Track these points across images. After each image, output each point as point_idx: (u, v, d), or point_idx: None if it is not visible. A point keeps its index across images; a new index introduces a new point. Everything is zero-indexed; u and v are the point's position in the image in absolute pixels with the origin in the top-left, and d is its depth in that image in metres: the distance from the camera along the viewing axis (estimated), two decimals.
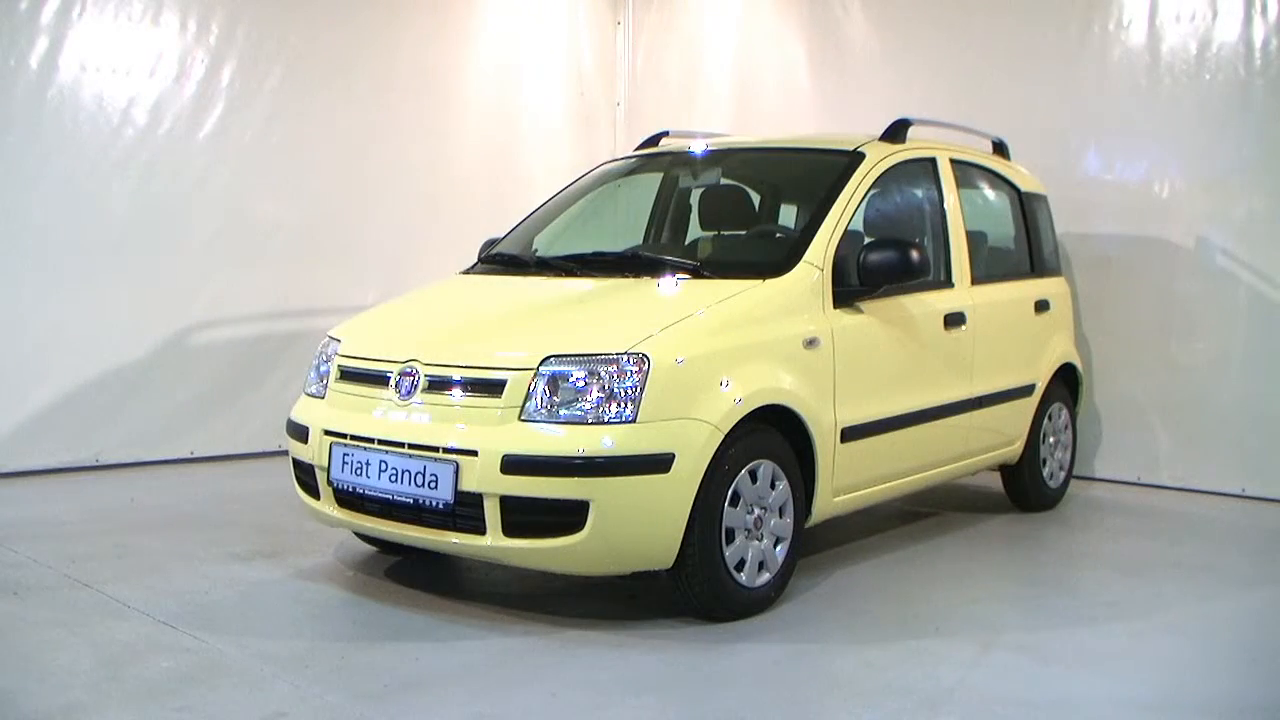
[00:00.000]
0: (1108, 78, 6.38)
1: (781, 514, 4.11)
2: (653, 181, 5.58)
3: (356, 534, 4.55)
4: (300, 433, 4.27)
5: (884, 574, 4.65)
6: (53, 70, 6.06)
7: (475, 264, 5.08)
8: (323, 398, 4.32)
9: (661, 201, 5.53)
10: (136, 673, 3.45)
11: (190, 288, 6.53)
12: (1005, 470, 5.72)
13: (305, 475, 4.30)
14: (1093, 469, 6.52)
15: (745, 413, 3.89)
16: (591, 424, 3.69)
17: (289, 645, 3.72)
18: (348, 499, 4.10)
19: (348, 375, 4.23)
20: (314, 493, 4.25)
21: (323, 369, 4.39)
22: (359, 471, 4.00)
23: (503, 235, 5.28)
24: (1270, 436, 5.98)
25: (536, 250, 5.09)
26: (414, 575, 4.47)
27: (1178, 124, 6.19)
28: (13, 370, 6.01)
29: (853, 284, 4.40)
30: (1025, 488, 5.70)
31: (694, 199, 5.42)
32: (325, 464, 4.11)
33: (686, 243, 5.39)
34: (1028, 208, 5.78)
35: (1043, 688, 3.51)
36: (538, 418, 3.74)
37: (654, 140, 5.69)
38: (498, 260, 5.00)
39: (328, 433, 4.12)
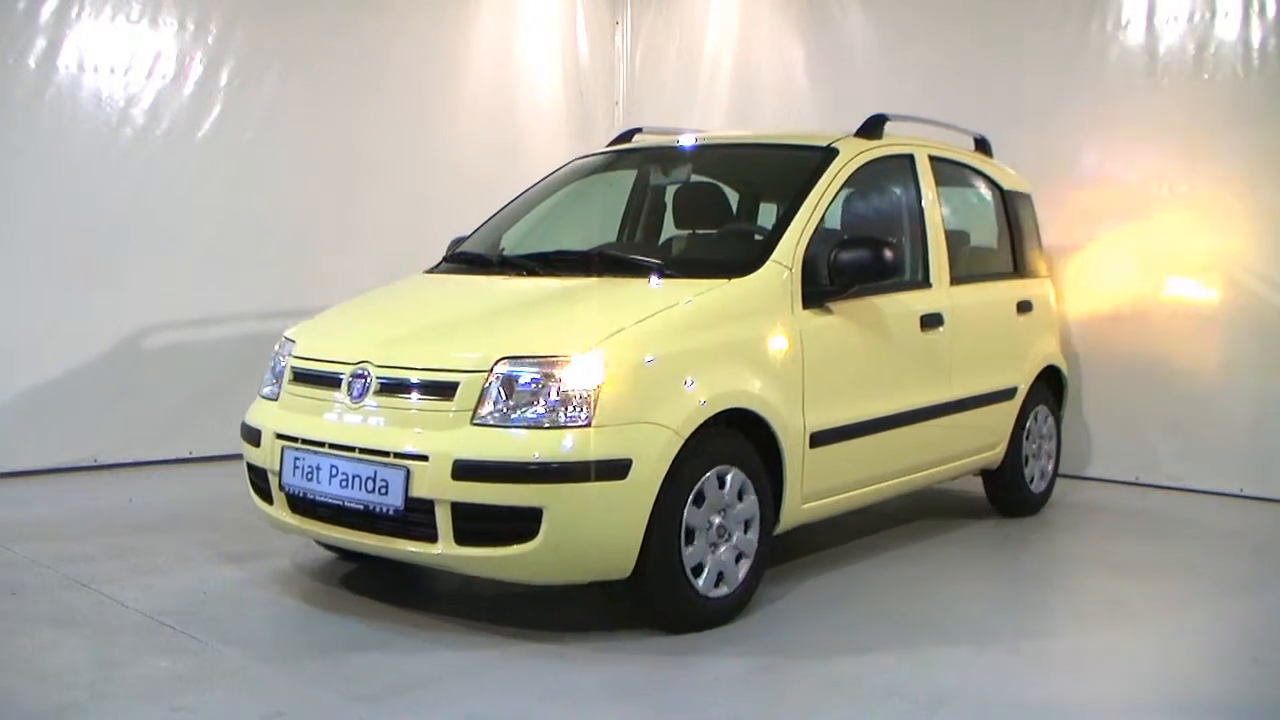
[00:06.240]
0: (1106, 77, 6.37)
1: (747, 523, 3.97)
2: (627, 178, 5.45)
3: (317, 541, 4.43)
4: (253, 436, 4.16)
5: (883, 574, 4.62)
6: (51, 70, 6.07)
7: (439, 263, 4.95)
8: (277, 399, 4.20)
9: (636, 199, 5.40)
10: (134, 672, 3.44)
11: (188, 287, 6.53)
12: (987, 475, 5.58)
13: (259, 479, 4.19)
14: (1091, 469, 6.48)
15: (707, 417, 3.76)
16: (545, 428, 3.56)
17: (286, 645, 3.73)
18: (300, 504, 3.98)
19: (300, 377, 4.11)
20: (268, 497, 4.14)
21: (278, 370, 4.27)
22: (310, 476, 3.88)
23: (469, 233, 5.15)
24: (1269, 436, 5.94)
25: (504, 249, 4.96)
26: (412, 576, 4.41)
27: (1176, 123, 6.16)
28: (10, 370, 6.02)
29: (824, 284, 4.26)
30: (1007, 492, 5.57)
31: (669, 197, 5.28)
32: (277, 468, 3.99)
33: (660, 241, 5.25)
34: (1010, 206, 5.65)
35: (1042, 688, 3.48)
36: (490, 421, 3.61)
37: (627, 136, 5.55)
38: (461, 259, 4.87)
39: (280, 436, 4.01)
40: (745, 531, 3.96)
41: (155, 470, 6.33)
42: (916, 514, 5.65)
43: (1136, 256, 6.33)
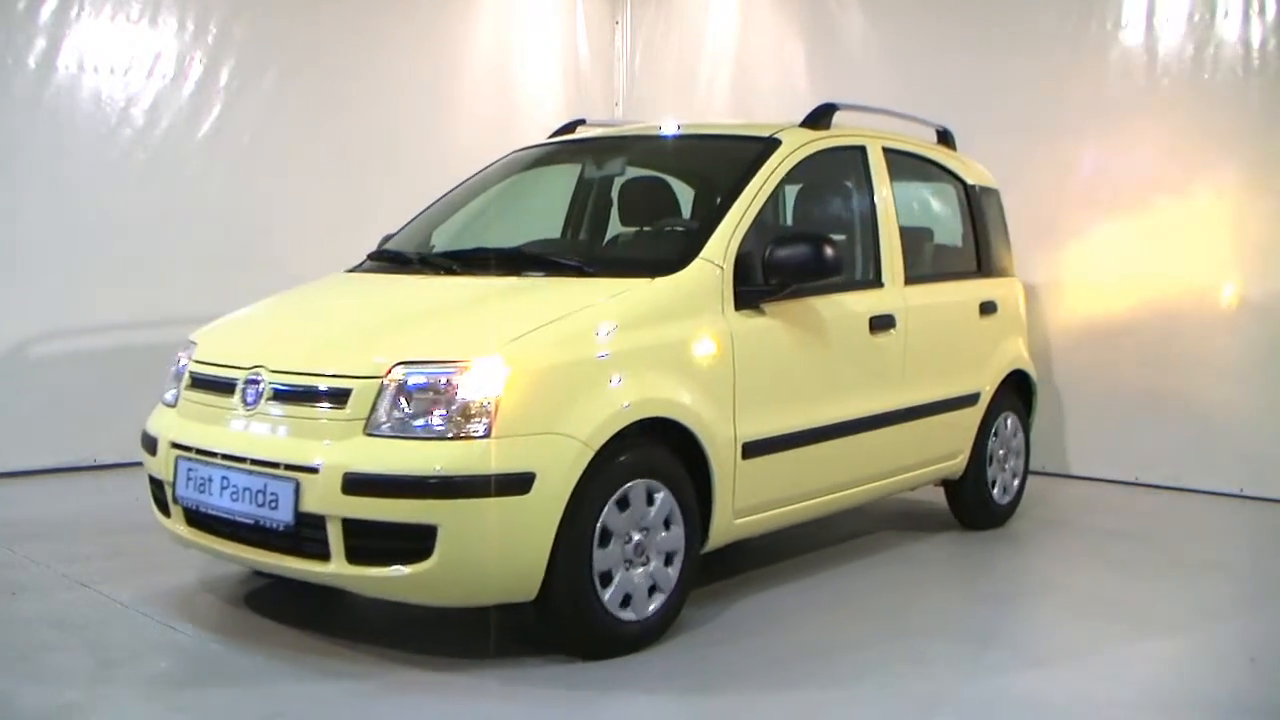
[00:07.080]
0: (1106, 78, 6.31)
1: (669, 539, 3.68)
2: (570, 172, 5.17)
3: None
4: (150, 444, 3.91)
5: (876, 576, 4.57)
6: (51, 70, 6.08)
7: (362, 262, 4.69)
8: (175, 406, 3.95)
9: (580, 194, 5.12)
10: (134, 673, 3.43)
11: (187, 287, 6.45)
12: (948, 485, 5.29)
13: (158, 490, 3.94)
14: (1090, 469, 6.43)
15: (621, 426, 3.48)
16: (442, 439, 3.29)
17: (286, 645, 3.66)
18: (195, 518, 3.73)
19: (198, 382, 3.86)
20: (166, 510, 3.88)
21: (179, 373, 4.02)
22: (202, 488, 3.63)
23: (397, 230, 4.89)
24: (1269, 436, 5.87)
25: (434, 246, 4.70)
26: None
27: (1176, 123, 6.10)
28: (11, 370, 6.03)
29: (758, 283, 3.98)
30: (970, 504, 5.28)
31: (614, 191, 5.01)
32: (171, 479, 3.74)
33: (607, 237, 4.97)
34: (974, 202, 5.35)
35: (1040, 687, 3.44)
36: (384, 431, 3.34)
37: (569, 128, 5.28)
38: (381, 257, 4.61)
39: (174, 445, 3.75)
40: (667, 557, 3.69)
41: None
42: (924, 513, 5.50)
43: (1134, 256, 6.26)
